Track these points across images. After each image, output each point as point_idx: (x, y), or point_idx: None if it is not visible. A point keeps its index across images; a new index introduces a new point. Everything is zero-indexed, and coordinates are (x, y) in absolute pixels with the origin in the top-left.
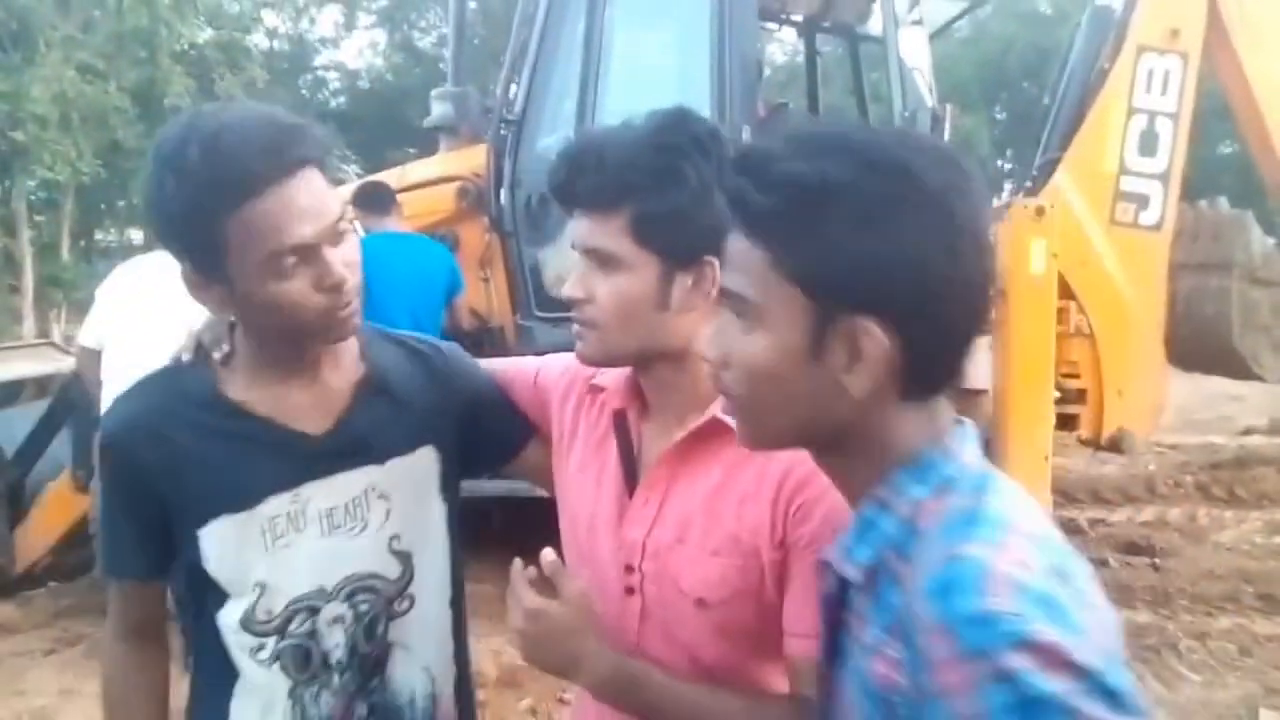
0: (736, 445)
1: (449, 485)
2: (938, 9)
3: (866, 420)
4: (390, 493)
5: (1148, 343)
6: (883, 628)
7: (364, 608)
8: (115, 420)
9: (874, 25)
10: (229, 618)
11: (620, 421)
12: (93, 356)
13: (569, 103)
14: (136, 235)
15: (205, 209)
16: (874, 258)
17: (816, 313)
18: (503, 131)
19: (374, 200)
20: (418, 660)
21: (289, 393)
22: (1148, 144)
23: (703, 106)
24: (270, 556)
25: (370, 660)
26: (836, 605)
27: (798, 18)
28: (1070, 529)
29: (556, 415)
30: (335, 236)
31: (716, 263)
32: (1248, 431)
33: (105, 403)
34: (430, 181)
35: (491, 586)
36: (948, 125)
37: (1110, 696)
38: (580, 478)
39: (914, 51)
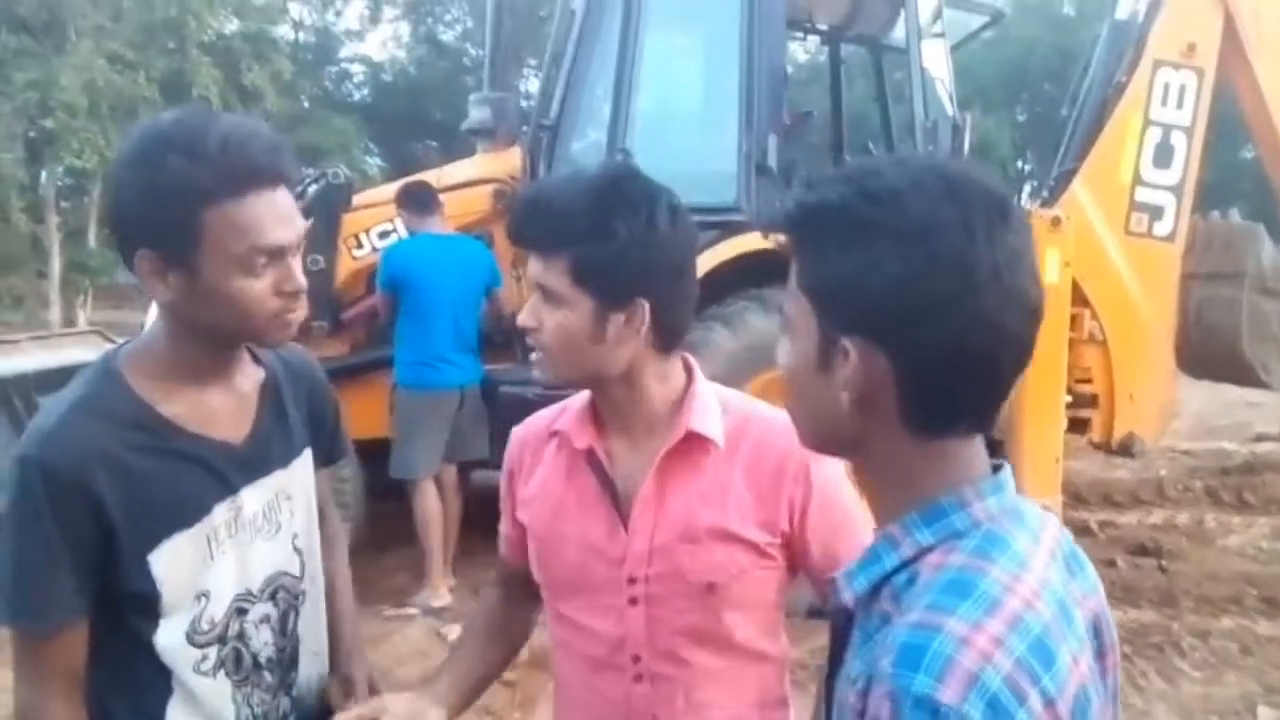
0: (713, 452)
1: (315, 485)
2: (959, 20)
3: (876, 446)
4: (293, 494)
5: (1159, 350)
6: (863, 663)
7: (282, 605)
8: (62, 451)
9: (897, 35)
10: (169, 637)
11: (591, 458)
12: None
13: (604, 108)
14: None
15: (199, 193)
16: (855, 282)
17: (820, 327)
18: (539, 136)
19: (419, 200)
20: (310, 648)
21: (208, 400)
22: (1162, 156)
23: (731, 114)
24: (213, 566)
25: (287, 655)
26: (843, 622)
27: (823, 27)
28: (1080, 531)
29: (521, 483)
30: (298, 249)
31: (647, 304)
32: (1260, 438)
33: None
34: (467, 183)
35: None
36: (968, 134)
37: None
38: (559, 512)
39: (936, 62)
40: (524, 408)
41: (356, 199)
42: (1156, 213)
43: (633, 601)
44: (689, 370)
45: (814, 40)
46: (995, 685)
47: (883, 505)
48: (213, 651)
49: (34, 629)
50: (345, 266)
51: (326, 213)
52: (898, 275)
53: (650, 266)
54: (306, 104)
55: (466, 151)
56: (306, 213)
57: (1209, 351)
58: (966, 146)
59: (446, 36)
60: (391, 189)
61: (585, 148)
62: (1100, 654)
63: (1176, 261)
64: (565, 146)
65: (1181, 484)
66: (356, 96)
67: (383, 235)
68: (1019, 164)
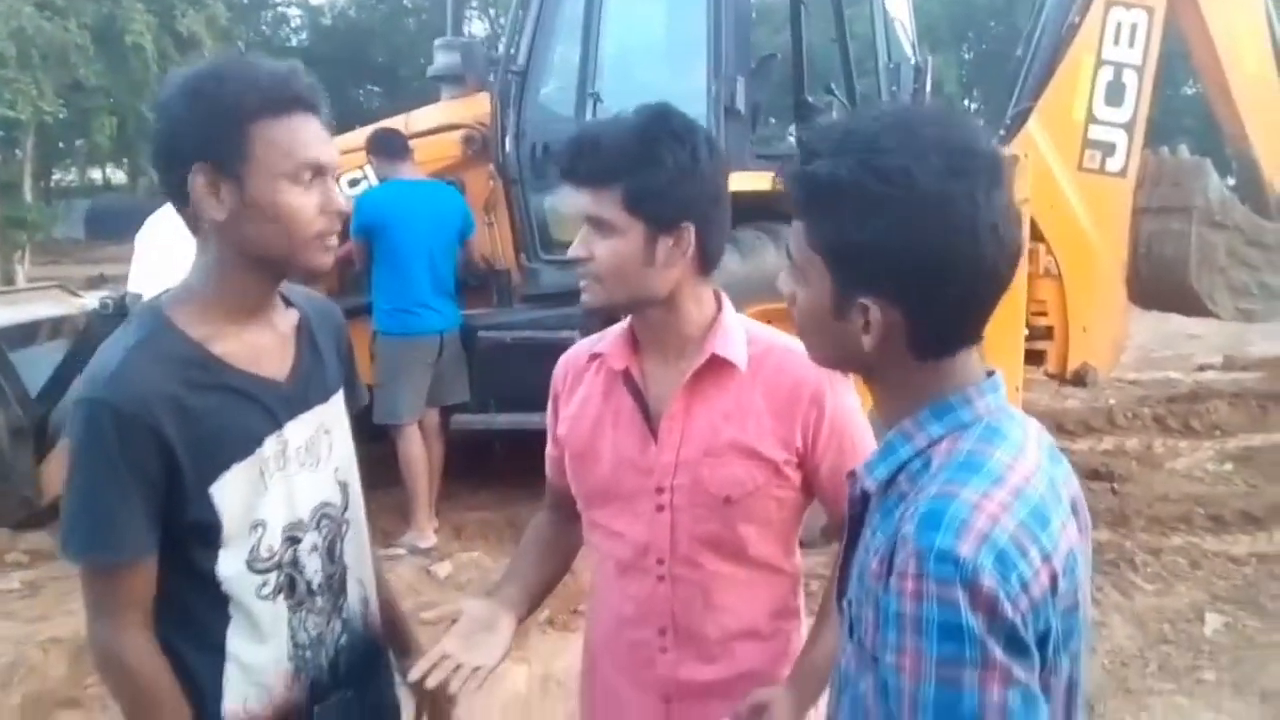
0: (736, 375)
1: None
2: None
3: (889, 371)
4: (332, 429)
5: (1111, 282)
6: (884, 534)
7: (327, 534)
8: (128, 393)
9: None
10: (230, 566)
11: (627, 378)
12: (138, 300)
13: (573, 53)
14: (96, 175)
15: (248, 108)
16: (874, 248)
17: (835, 282)
18: (508, 81)
19: (389, 146)
20: (355, 575)
21: (253, 339)
22: (1114, 94)
23: (699, 57)
24: (266, 496)
25: (335, 581)
26: (859, 509)
27: None
28: None
29: (564, 403)
30: (335, 176)
31: (692, 228)
32: (1203, 368)
33: None
34: (436, 129)
35: (492, 514)
36: (929, 76)
37: (1012, 641)
38: (596, 428)
39: (896, 4)
40: (503, 352)
41: None
42: (1109, 149)
43: (659, 509)
44: (718, 300)
45: None
46: (1003, 541)
47: (893, 411)
48: (271, 577)
49: (109, 563)
50: None
51: None
52: (915, 244)
53: (694, 192)
54: (244, 49)
55: (410, 97)
56: None
57: (1158, 283)
58: (928, 88)
59: None
60: (359, 136)
61: (553, 92)
62: (1080, 530)
63: (1128, 197)
64: (534, 91)
65: (1130, 412)
66: (295, 41)
67: (353, 183)
68: (965, 102)
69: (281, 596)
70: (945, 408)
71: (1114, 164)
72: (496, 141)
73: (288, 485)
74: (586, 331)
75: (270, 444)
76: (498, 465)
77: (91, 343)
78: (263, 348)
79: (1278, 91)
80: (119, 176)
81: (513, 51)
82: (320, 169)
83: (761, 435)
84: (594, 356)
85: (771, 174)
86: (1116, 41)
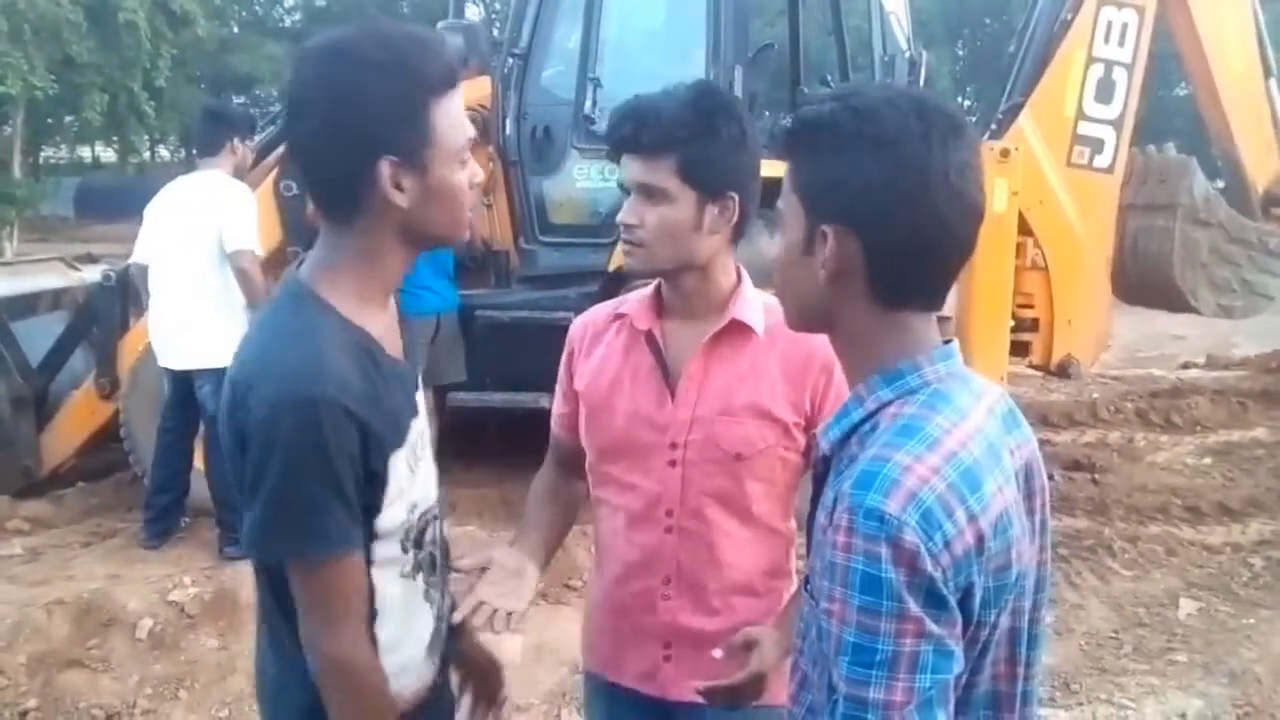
0: (754, 340)
1: None
2: None
3: (843, 315)
4: (424, 412)
5: (1096, 277)
6: (833, 491)
7: (439, 515)
8: (330, 385)
9: None
10: (387, 550)
11: (650, 338)
12: (143, 271)
13: (573, 38)
14: (86, 153)
15: (429, 86)
16: (839, 180)
17: (807, 218)
18: (510, 64)
19: None
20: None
21: (388, 320)
22: (1104, 92)
23: (698, 45)
24: (414, 478)
25: (441, 556)
26: (822, 469)
27: None
28: None
29: (581, 359)
30: None
31: (737, 197)
32: (1186, 366)
33: (153, 311)
34: None
35: (490, 490)
36: (923, 70)
37: (932, 596)
38: (615, 385)
39: None
40: (501, 331)
41: None
42: (1097, 146)
43: (672, 464)
44: (739, 272)
45: None
46: (930, 501)
47: (853, 371)
48: (413, 556)
49: (326, 557)
50: None
51: None
52: (872, 175)
53: (741, 164)
54: (236, 29)
55: None
56: (275, 141)
57: (1143, 279)
58: (923, 81)
59: None
60: None
61: (554, 76)
62: (1029, 494)
63: (1115, 193)
64: (535, 75)
65: (1113, 406)
66: (288, 21)
67: None
68: (959, 99)
69: (421, 574)
70: (895, 374)
71: (1102, 160)
72: (497, 124)
73: (427, 467)
74: (580, 313)
75: (414, 429)
76: (492, 443)
77: (91, 315)
78: (390, 328)
79: (1262, 92)
80: (109, 155)
81: (515, 35)
82: (469, 146)
83: (775, 397)
84: (617, 317)
85: (769, 163)
86: (1107, 40)
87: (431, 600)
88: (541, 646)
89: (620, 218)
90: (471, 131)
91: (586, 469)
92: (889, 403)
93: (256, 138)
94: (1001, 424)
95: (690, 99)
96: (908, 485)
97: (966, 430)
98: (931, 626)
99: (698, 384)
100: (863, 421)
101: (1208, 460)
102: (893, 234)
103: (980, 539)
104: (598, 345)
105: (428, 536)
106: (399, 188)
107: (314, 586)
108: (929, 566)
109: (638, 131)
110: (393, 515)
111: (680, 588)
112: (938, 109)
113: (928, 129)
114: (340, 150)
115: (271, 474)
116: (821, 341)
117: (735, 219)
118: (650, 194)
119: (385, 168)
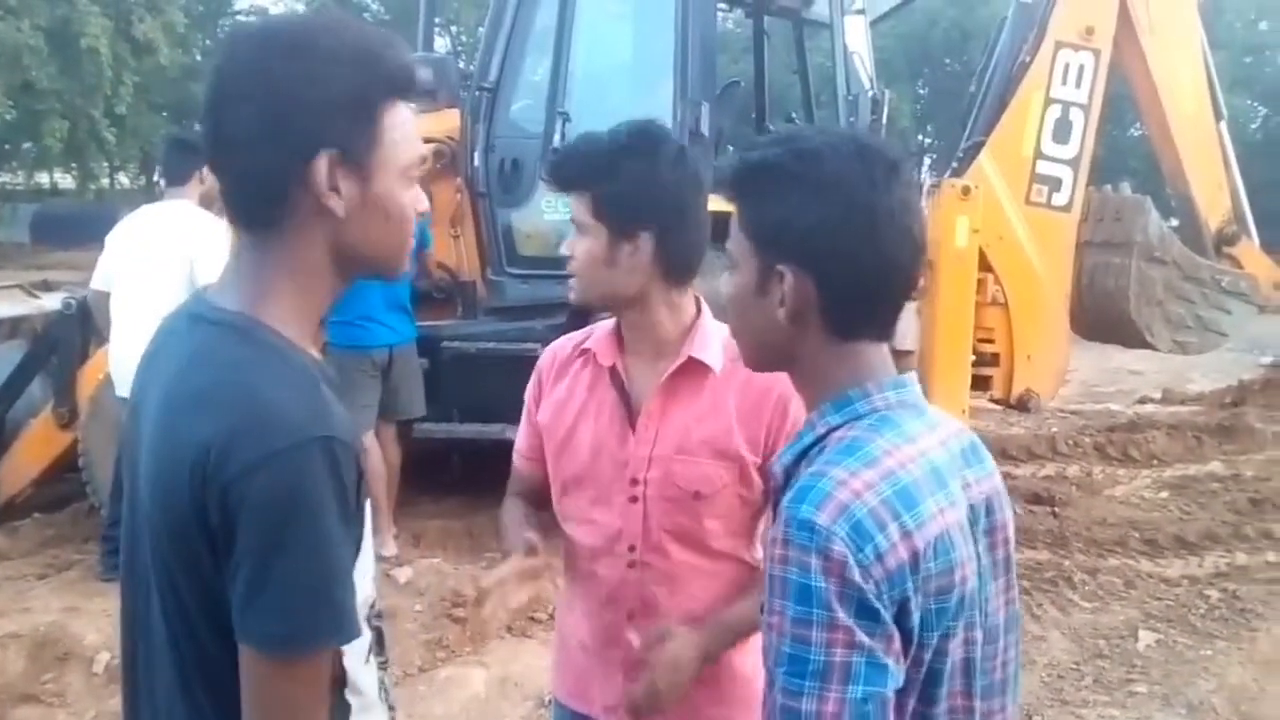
0: (711, 377)
1: None
2: None
3: (802, 351)
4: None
5: (1055, 313)
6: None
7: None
8: (344, 427)
9: (818, 10)
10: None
11: (613, 374)
12: (103, 298)
13: (542, 71)
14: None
15: (382, 83)
16: (788, 221)
17: (760, 259)
18: (479, 98)
19: None
20: None
21: (315, 352)
22: (1061, 132)
23: (665, 81)
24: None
25: (377, 639)
26: (778, 497)
27: (749, 0)
28: None
29: (548, 389)
30: None
31: (650, 236)
32: (1143, 401)
33: (114, 340)
34: None
35: (455, 522)
36: (885, 108)
37: (863, 608)
38: (580, 418)
39: (856, 38)
40: (468, 362)
41: None
42: (1055, 184)
43: (633, 500)
44: (699, 306)
45: (739, 12)
46: (861, 514)
47: (811, 402)
48: (368, 635)
49: (329, 647)
50: None
51: None
52: (820, 216)
53: (651, 203)
54: (200, 57)
55: None
56: None
57: (1100, 315)
58: (885, 119)
59: None
60: None
61: (523, 109)
62: (990, 529)
63: (1072, 230)
64: (504, 108)
65: (1072, 440)
66: None
67: None
68: (919, 137)
69: (372, 656)
70: (844, 400)
71: (1059, 199)
72: (465, 156)
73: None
74: (548, 344)
75: None
76: (457, 475)
77: (50, 344)
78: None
79: (1213, 134)
80: (67, 181)
81: (484, 68)
82: (416, 166)
83: (732, 436)
84: (582, 352)
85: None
86: (1065, 81)
87: (382, 684)
88: (505, 680)
89: (561, 249)
90: (424, 150)
91: (552, 503)
92: (837, 427)
93: None
94: (961, 458)
95: (604, 140)
96: (839, 498)
97: (909, 453)
98: (862, 638)
99: (656, 423)
100: (812, 445)
101: (1164, 494)
102: (846, 271)
103: (915, 555)
104: (564, 377)
105: (374, 611)
106: (335, 190)
107: (300, 679)
108: (858, 577)
109: (560, 169)
110: (364, 568)
111: (644, 622)
112: (877, 150)
113: (870, 170)
114: (272, 141)
115: (293, 541)
116: (780, 379)
117: (650, 257)
118: (579, 228)
119: (323, 163)
